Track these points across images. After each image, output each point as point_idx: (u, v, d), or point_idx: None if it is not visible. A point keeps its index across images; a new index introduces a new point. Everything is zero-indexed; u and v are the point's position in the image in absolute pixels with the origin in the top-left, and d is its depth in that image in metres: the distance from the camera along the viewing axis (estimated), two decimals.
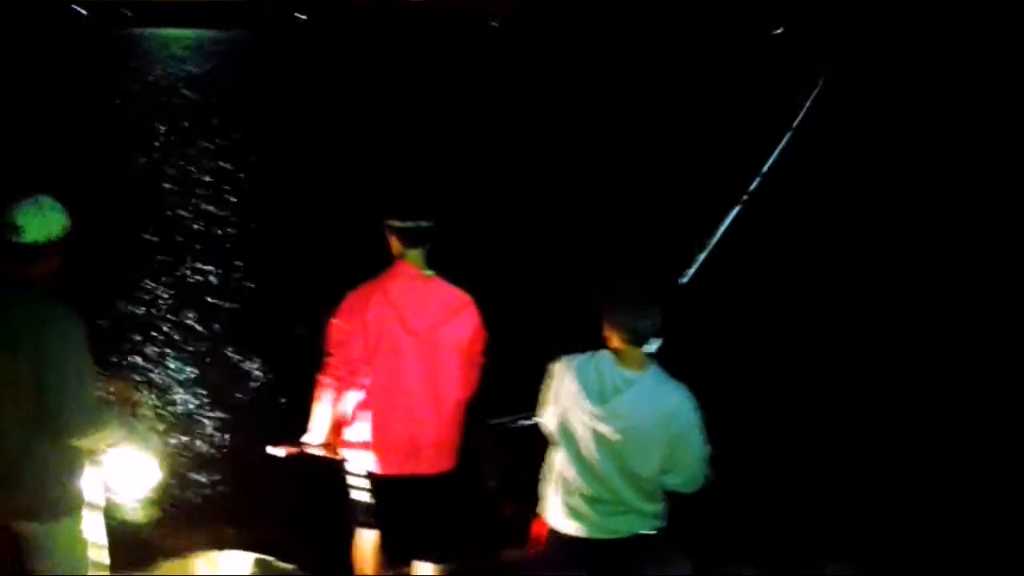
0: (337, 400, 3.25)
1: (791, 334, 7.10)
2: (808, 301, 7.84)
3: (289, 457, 3.32)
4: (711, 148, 12.25)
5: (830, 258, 9.07)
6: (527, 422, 3.04)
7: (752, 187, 3.40)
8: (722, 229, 3.27)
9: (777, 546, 4.42)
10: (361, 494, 3.42)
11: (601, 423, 2.72)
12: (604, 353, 2.78)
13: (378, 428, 3.27)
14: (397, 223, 3.16)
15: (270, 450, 3.32)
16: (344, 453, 3.38)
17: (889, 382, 6.23)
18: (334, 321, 3.22)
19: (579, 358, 2.82)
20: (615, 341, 2.74)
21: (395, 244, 3.20)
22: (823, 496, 4.85)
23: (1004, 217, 10.35)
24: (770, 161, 3.34)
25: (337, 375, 3.22)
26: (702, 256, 3.19)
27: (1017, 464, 5.08)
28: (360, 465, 3.36)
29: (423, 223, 3.17)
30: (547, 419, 2.89)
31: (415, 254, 3.19)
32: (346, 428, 3.33)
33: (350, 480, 3.42)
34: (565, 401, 2.80)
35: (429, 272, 3.23)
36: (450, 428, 3.35)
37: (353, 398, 3.27)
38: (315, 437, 3.30)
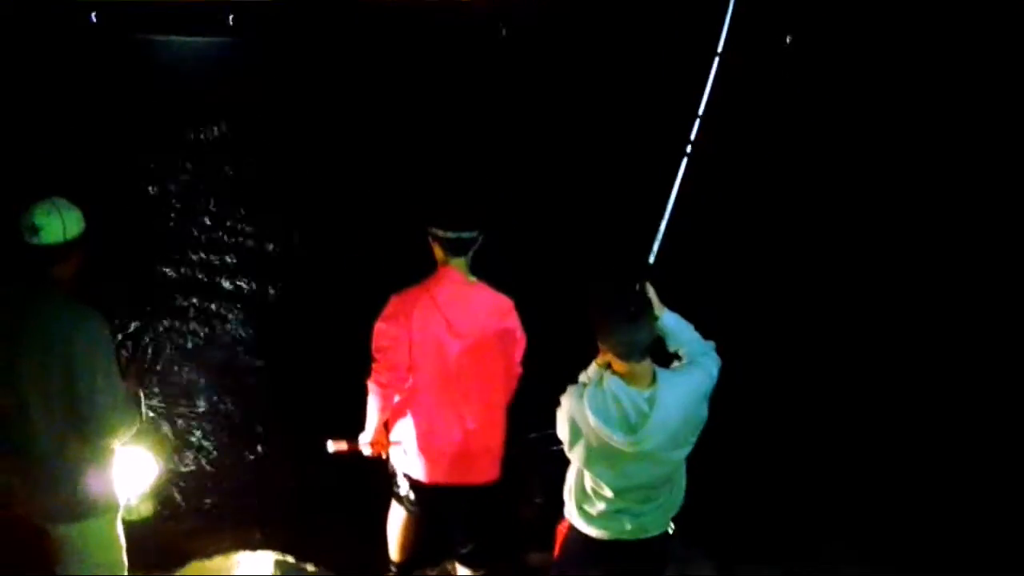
0: (385, 403, 3.25)
1: (803, 325, 7.06)
2: (823, 293, 7.77)
3: (345, 453, 3.34)
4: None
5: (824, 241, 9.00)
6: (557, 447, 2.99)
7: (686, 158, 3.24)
8: (671, 203, 3.08)
9: (795, 547, 4.41)
10: (404, 492, 3.45)
11: (634, 447, 2.64)
12: (611, 380, 2.64)
13: (426, 435, 3.27)
14: (441, 232, 3.14)
15: (329, 445, 3.34)
16: (391, 458, 3.40)
17: (906, 376, 6.20)
18: (379, 325, 3.19)
19: (588, 392, 2.67)
20: (617, 364, 2.62)
21: (439, 252, 3.19)
22: (839, 495, 4.84)
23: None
24: (694, 129, 3.15)
25: (381, 381, 3.21)
26: (662, 229, 3.03)
27: None
28: (405, 472, 3.38)
29: (467, 233, 3.14)
30: (571, 453, 2.81)
31: (459, 261, 3.17)
32: (393, 434, 3.35)
33: (396, 482, 3.46)
34: (589, 436, 2.70)
35: (473, 278, 3.22)
36: (499, 435, 3.35)
37: (399, 403, 3.28)
38: (367, 437, 3.32)
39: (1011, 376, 6.08)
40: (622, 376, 2.63)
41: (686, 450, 2.79)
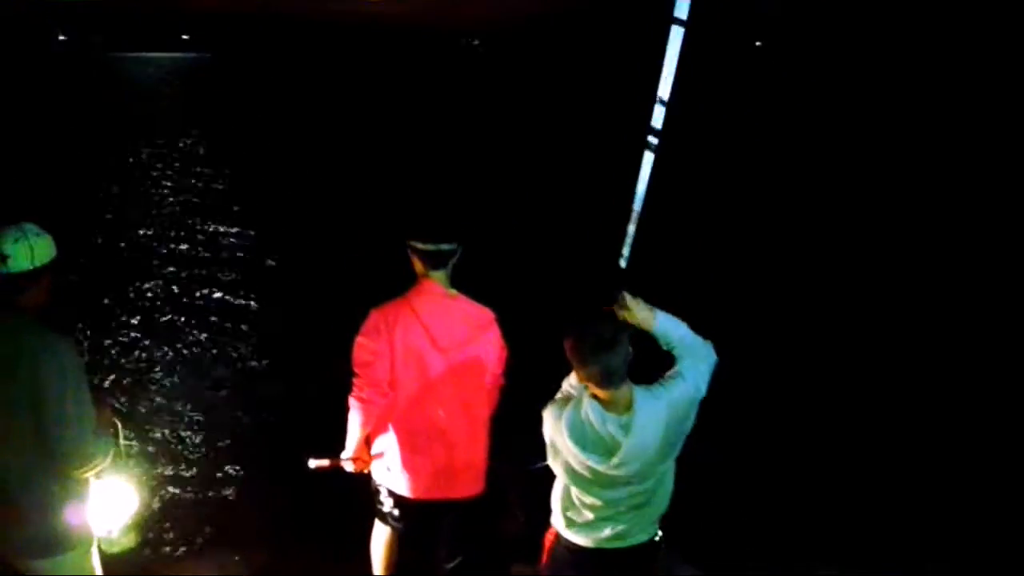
0: (366, 419, 3.19)
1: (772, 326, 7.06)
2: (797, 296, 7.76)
3: (327, 470, 3.27)
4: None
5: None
6: (540, 464, 2.95)
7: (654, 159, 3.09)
8: (639, 206, 2.94)
9: (771, 551, 4.41)
10: (388, 509, 3.40)
11: (613, 470, 2.62)
12: (588, 403, 2.60)
13: (409, 450, 3.23)
14: (419, 244, 3.11)
15: (311, 462, 3.27)
16: (373, 474, 3.35)
17: (878, 383, 6.23)
18: (360, 340, 3.13)
19: (566, 413, 2.65)
20: (594, 389, 2.57)
21: (418, 265, 3.15)
22: (815, 500, 4.85)
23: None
24: (660, 131, 2.93)
25: (363, 396, 3.15)
26: (632, 231, 2.91)
27: (1004, 467, 5.11)
28: (389, 488, 3.34)
29: (445, 245, 3.11)
30: (555, 468, 2.81)
31: (439, 274, 3.14)
32: (375, 448, 3.30)
33: (379, 499, 3.40)
34: (567, 455, 2.69)
35: (453, 291, 3.19)
36: (482, 448, 3.32)
37: (382, 418, 3.23)
38: (349, 453, 3.26)
39: (994, 376, 6.15)
40: (600, 400, 2.59)
41: (671, 459, 2.77)
